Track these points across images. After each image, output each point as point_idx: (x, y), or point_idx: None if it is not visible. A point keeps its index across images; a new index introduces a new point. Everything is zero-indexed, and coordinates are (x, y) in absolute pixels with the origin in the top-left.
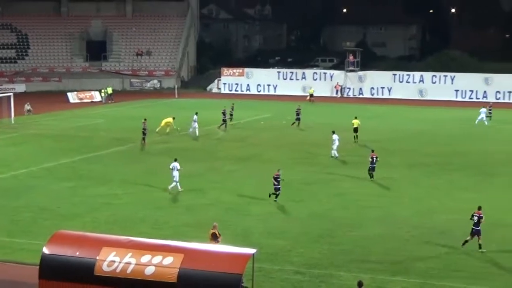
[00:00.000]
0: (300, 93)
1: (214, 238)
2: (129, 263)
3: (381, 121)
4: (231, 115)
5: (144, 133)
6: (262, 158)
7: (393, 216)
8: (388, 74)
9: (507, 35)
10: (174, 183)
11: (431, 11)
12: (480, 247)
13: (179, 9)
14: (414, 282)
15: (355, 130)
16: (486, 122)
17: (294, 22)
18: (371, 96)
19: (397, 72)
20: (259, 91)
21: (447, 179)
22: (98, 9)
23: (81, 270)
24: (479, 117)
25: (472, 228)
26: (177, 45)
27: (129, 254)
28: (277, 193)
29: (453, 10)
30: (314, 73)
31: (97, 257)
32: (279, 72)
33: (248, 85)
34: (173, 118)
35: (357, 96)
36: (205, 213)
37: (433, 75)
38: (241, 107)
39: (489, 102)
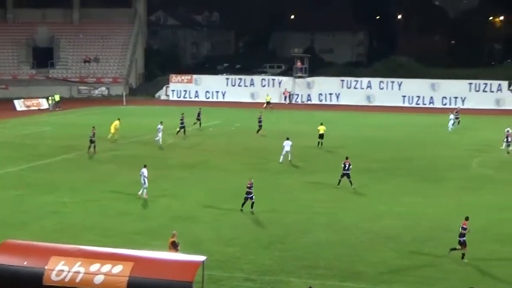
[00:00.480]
0: (248, 99)
1: (174, 246)
2: (78, 272)
3: (329, 127)
4: (198, 119)
5: (92, 141)
6: (212, 164)
7: (342, 221)
8: (336, 80)
9: (452, 41)
10: (142, 189)
11: (378, 17)
12: (462, 257)
13: (127, 16)
14: (364, 287)
15: (321, 136)
16: (450, 128)
17: (242, 29)
18: (319, 102)
19: (345, 78)
20: (207, 98)
21: (394, 184)
22: (44, 15)
23: (30, 280)
24: (450, 123)
25: (459, 240)
26: (125, 52)
27: (78, 263)
28: (252, 201)
29: (399, 17)
30: (263, 79)
31: (46, 267)
32: (227, 78)
33: (196, 91)
34: (118, 119)
35: (306, 102)
36: (154, 221)
37: (381, 81)
38: (190, 114)
39: (456, 108)
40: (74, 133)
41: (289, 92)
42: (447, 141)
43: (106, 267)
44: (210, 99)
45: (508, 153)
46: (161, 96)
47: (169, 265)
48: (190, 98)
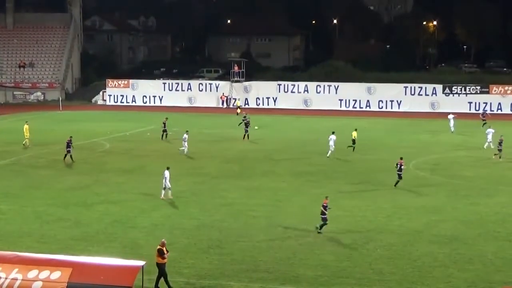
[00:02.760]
0: (186, 104)
1: (161, 254)
2: (15, 279)
3: (267, 131)
4: (164, 131)
5: (68, 150)
6: (149, 169)
7: (280, 225)
8: (273, 84)
9: (388, 46)
10: (163, 191)
11: (314, 22)
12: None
13: (62, 21)
14: None
15: (353, 141)
16: (452, 129)
17: (178, 33)
18: (256, 106)
19: (282, 82)
20: (145, 103)
21: (332, 187)
22: None
23: None
24: (451, 124)
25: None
26: (60, 57)
27: (16, 270)
28: (326, 223)
29: (335, 21)
30: (200, 84)
31: None
32: (164, 83)
33: (133, 96)
34: (26, 122)
35: (243, 106)
36: (92, 226)
37: (318, 85)
38: (127, 119)
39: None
40: (9, 139)
41: (226, 97)
42: (384, 144)
43: (44, 274)
44: (147, 104)
45: (500, 157)
46: (98, 101)
47: (108, 270)
48: (127, 103)
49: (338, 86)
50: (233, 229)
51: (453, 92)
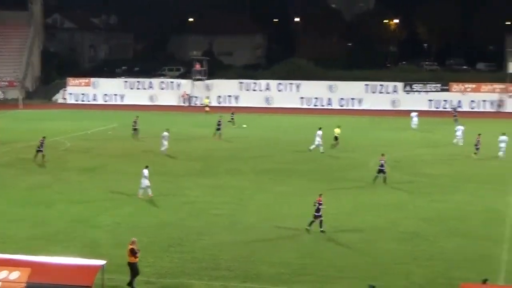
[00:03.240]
0: (147, 102)
1: (133, 253)
2: None
3: (229, 130)
4: (135, 129)
5: (39, 150)
6: (110, 168)
7: (242, 223)
8: (234, 83)
9: (349, 44)
10: (141, 190)
11: (276, 20)
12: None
13: (22, 18)
14: (264, 287)
15: (336, 138)
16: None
17: (140, 32)
18: (218, 105)
19: (244, 81)
20: (106, 101)
21: (295, 185)
22: None
23: None
24: (413, 122)
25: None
26: (21, 55)
27: None
28: (321, 219)
29: (297, 19)
30: (161, 82)
31: None
32: (126, 81)
33: (94, 95)
34: None
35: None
36: (52, 226)
37: (279, 83)
38: (88, 118)
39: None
40: None
41: (188, 95)
42: (346, 142)
43: (3, 274)
44: (109, 102)
45: (474, 153)
46: (58, 100)
47: (67, 270)
48: (88, 101)
49: (299, 84)
50: (195, 227)
51: (414, 90)
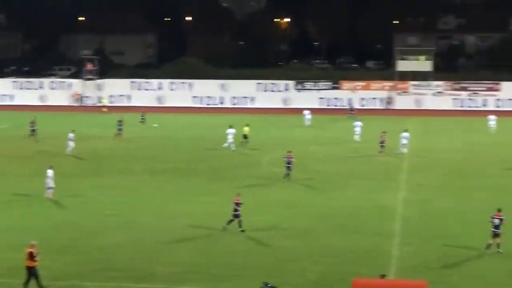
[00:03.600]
0: (37, 102)
1: (31, 257)
2: None
3: (135, 129)
4: (33, 130)
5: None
6: (1, 169)
7: (136, 223)
8: (126, 82)
9: (241, 42)
10: (48, 190)
11: (168, 19)
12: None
13: None
14: (158, 287)
15: (245, 136)
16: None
17: (30, 30)
18: (110, 104)
19: (136, 80)
20: None
21: (189, 184)
22: None
23: None
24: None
25: (493, 231)
26: None
27: None
28: (240, 218)
29: (189, 18)
30: (52, 82)
31: None
32: (15, 81)
33: None
34: None
35: (96, 104)
36: None
37: (172, 82)
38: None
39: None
40: None
41: (79, 95)
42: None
43: None
44: None
45: (380, 152)
46: None
47: None
48: None
49: (191, 83)
50: (88, 228)
51: (305, 88)
